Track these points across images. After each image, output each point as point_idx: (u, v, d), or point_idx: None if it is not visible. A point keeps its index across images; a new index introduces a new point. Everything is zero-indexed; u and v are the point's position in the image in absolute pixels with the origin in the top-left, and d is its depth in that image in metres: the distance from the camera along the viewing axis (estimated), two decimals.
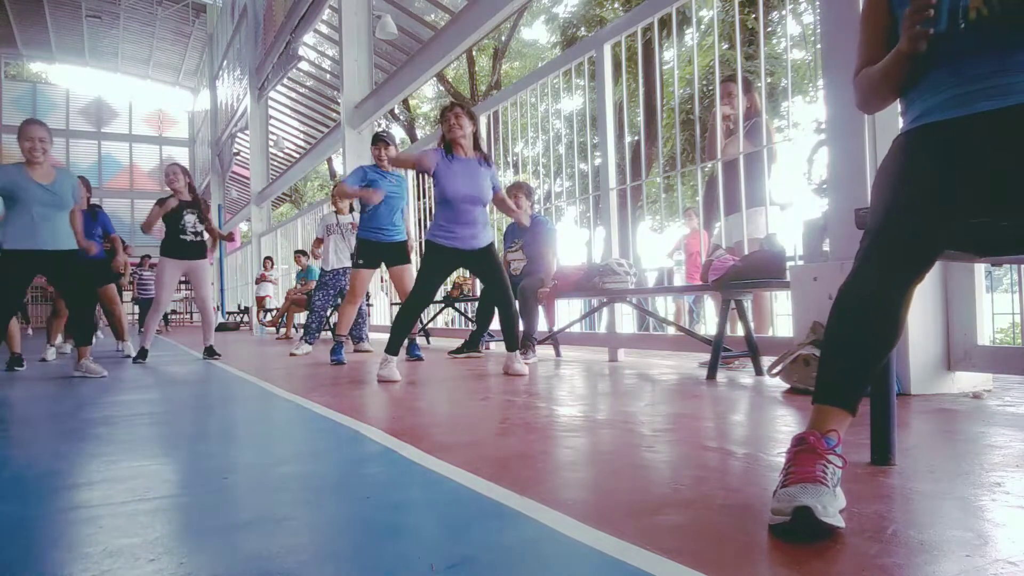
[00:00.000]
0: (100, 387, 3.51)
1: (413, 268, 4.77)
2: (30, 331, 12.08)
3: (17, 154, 4.07)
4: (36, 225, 3.85)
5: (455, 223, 3.50)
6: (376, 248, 4.71)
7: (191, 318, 20.21)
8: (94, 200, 5.93)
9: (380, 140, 4.68)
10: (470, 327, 6.82)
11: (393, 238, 4.72)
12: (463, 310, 7.06)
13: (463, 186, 3.47)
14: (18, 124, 4.01)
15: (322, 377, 3.74)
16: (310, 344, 5.83)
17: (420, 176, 8.29)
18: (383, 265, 4.96)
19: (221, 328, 13.52)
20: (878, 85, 1.43)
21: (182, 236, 5.13)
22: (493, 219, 6.46)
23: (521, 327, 4.58)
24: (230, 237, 5.53)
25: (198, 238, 5.21)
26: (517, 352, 3.66)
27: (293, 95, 14.00)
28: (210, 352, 5.34)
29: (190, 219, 5.14)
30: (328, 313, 7.33)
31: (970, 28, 1.26)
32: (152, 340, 5.34)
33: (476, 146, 3.60)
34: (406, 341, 4.78)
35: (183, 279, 5.56)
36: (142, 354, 5.15)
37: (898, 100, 1.47)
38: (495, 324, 5.42)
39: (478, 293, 5.73)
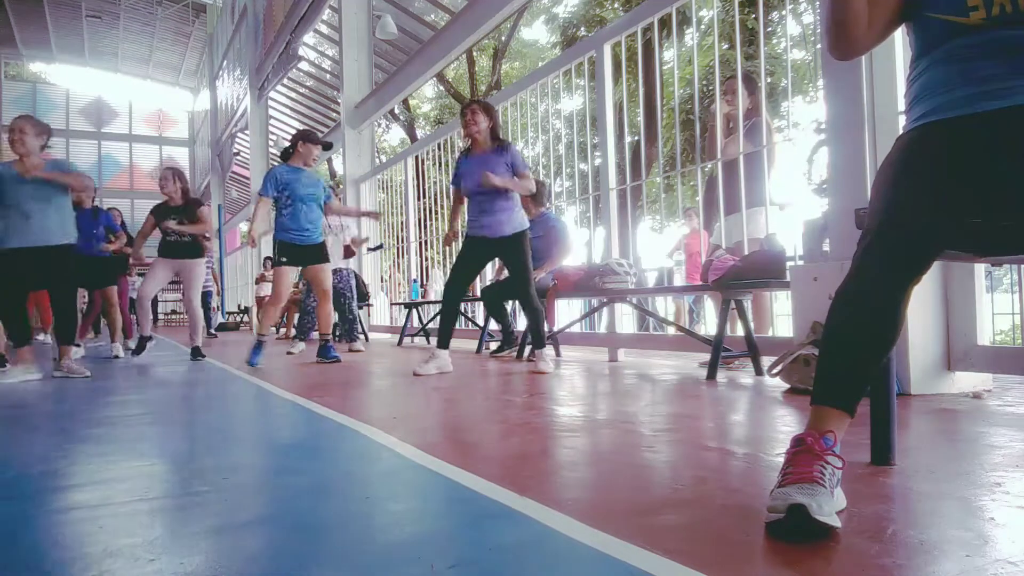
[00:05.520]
0: (98, 387, 3.51)
1: (329, 267, 4.72)
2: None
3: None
4: (23, 222, 3.75)
5: (478, 214, 3.71)
6: (296, 250, 4.57)
7: None
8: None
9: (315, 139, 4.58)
10: (470, 327, 6.83)
11: (311, 240, 4.59)
12: (463, 310, 7.07)
13: (474, 179, 3.65)
14: None
15: (322, 377, 3.74)
16: (303, 341, 5.89)
17: (420, 176, 8.30)
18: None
19: (221, 328, 13.53)
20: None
21: (168, 237, 5.09)
22: None
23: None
24: (205, 239, 5.43)
25: (185, 238, 5.13)
26: (543, 350, 3.69)
27: (293, 95, 14.00)
28: (195, 353, 5.21)
29: (171, 223, 5.07)
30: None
31: (985, 27, 1.23)
32: (149, 330, 5.30)
33: (495, 137, 3.69)
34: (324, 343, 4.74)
35: (177, 279, 5.47)
36: (141, 346, 5.13)
37: (903, 96, 1.44)
38: (493, 324, 5.45)
39: (478, 293, 5.73)
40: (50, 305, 4.15)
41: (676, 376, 3.40)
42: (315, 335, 5.29)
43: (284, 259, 4.53)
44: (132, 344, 5.93)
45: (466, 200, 3.80)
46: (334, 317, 7.60)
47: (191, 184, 25.24)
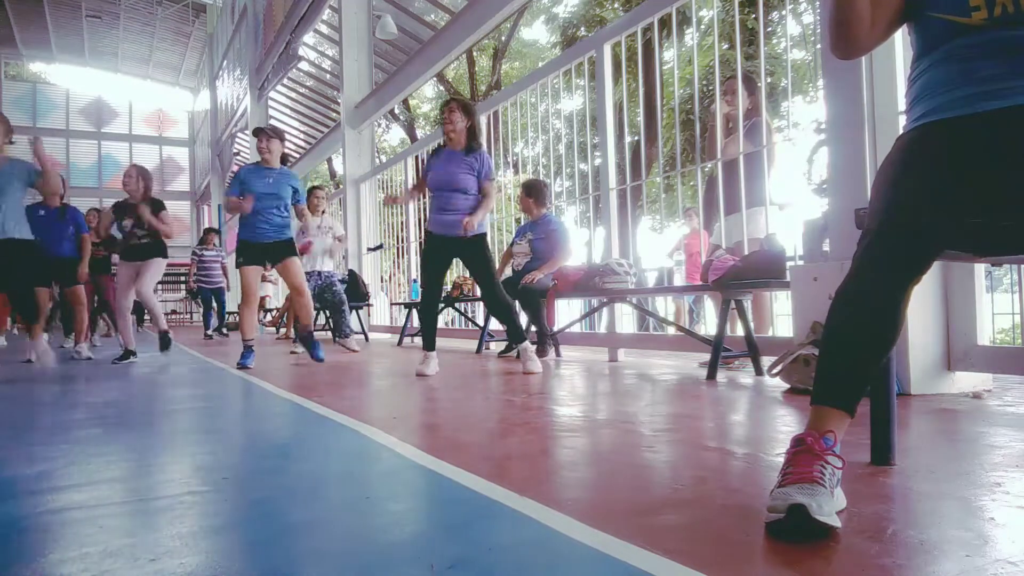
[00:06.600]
0: (97, 386, 3.51)
1: (297, 260, 4.54)
2: (15, 330, 11.74)
3: (16, 153, 4.06)
4: None
5: (436, 210, 3.68)
6: (255, 248, 4.42)
7: (191, 318, 20.24)
8: (92, 201, 5.87)
9: (260, 132, 4.46)
10: (470, 327, 6.83)
11: (270, 238, 4.40)
12: (463, 310, 7.07)
13: (437, 174, 3.65)
14: (18, 125, 3.97)
15: (322, 377, 3.74)
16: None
17: (420, 176, 8.29)
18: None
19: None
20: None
21: (129, 239, 5.03)
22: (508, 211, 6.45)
23: (534, 328, 4.61)
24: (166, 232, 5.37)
25: (142, 240, 5.03)
26: (524, 345, 3.67)
27: (293, 95, 14.00)
28: (164, 341, 5.31)
29: (127, 223, 5.01)
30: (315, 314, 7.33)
31: (987, 27, 1.22)
32: (133, 340, 5.22)
33: (471, 138, 3.64)
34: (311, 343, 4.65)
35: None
36: (125, 357, 5.02)
37: (903, 96, 1.44)
38: (494, 324, 5.45)
39: (478, 293, 5.72)
40: (7, 298, 4.18)
41: (676, 376, 3.40)
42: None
43: (241, 259, 4.40)
44: (122, 343, 5.88)
45: (430, 195, 3.75)
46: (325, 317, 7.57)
47: (192, 184, 24.84)
